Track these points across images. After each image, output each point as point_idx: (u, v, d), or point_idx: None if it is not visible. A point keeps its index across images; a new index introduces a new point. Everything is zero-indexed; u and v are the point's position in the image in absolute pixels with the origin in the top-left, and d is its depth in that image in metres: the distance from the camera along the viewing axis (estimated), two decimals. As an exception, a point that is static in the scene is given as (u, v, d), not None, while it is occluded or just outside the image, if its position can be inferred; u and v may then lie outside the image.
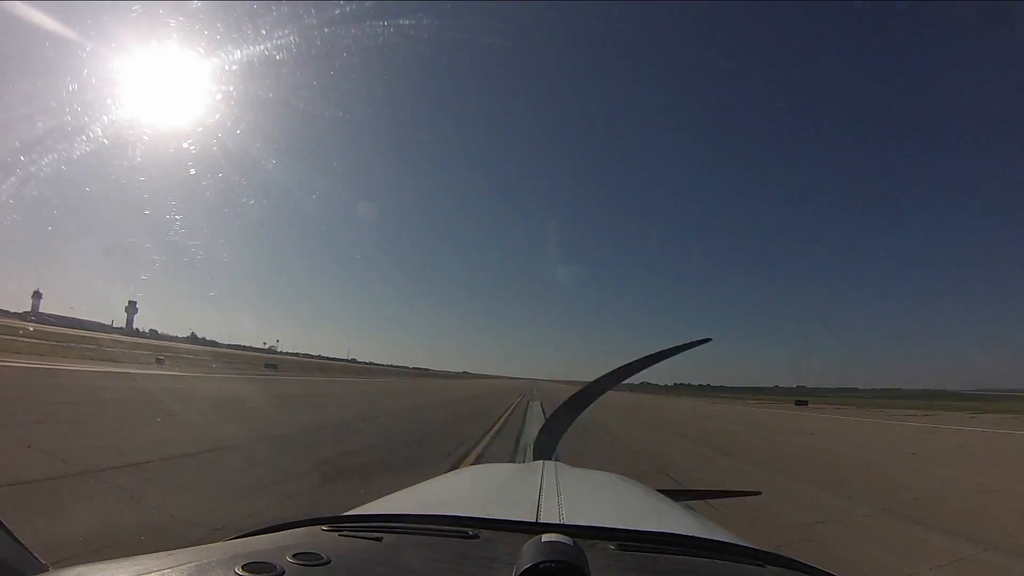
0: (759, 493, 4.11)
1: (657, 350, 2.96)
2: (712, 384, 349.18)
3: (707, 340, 2.98)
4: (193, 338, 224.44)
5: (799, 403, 64.12)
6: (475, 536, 1.22)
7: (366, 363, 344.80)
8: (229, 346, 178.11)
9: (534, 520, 1.40)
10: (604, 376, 3.00)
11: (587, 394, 3.01)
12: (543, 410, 24.56)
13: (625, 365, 2.81)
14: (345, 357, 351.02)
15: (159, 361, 35.15)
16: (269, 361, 65.51)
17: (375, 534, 1.21)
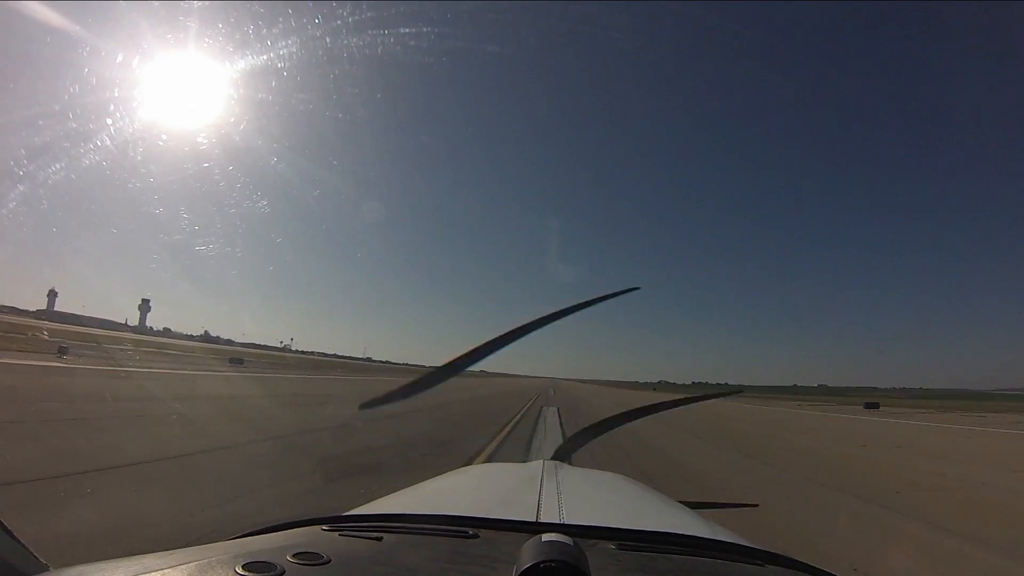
0: (756, 506, 4.56)
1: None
2: (730, 383, 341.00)
3: (636, 288, 3.03)
4: (206, 336, 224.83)
5: (869, 406, 52.43)
6: (475, 536, 1.21)
7: (382, 362, 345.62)
8: (243, 345, 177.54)
9: (534, 520, 1.39)
10: (629, 411, 3.05)
11: (614, 420, 3.07)
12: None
13: (554, 312, 2.61)
14: (361, 356, 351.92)
15: (61, 351, 26.66)
16: (235, 356, 60.12)
17: (375, 534, 1.20)
